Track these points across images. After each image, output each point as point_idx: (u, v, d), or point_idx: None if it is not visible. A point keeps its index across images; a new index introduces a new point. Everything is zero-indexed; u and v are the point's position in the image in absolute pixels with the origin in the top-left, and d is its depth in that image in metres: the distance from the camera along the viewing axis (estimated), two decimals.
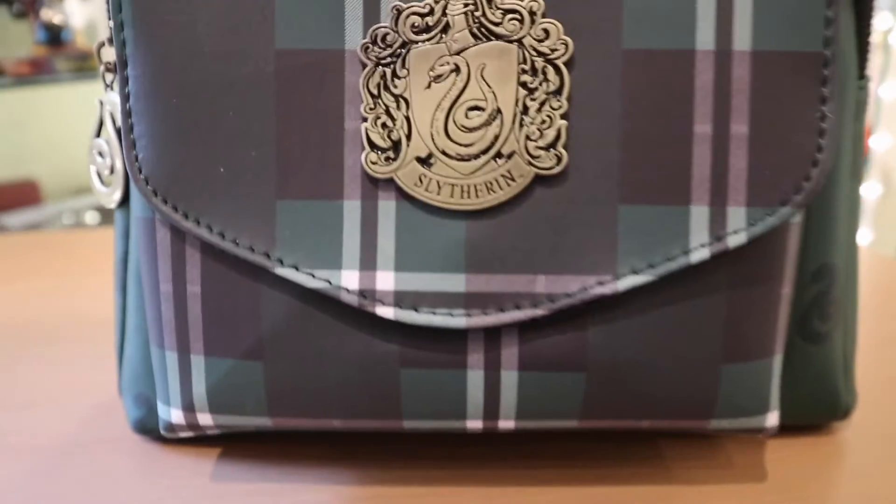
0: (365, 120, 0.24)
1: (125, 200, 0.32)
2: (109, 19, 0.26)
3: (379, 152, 0.24)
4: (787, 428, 0.32)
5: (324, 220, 0.25)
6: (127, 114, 0.25)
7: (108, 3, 0.26)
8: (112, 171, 0.33)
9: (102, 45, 0.32)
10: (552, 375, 0.25)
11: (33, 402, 0.36)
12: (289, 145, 0.25)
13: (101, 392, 0.37)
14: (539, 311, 0.24)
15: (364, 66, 0.24)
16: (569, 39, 0.24)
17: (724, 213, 0.24)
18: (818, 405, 0.32)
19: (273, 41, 0.24)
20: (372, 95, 0.24)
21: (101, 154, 0.33)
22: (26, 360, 0.41)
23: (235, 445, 0.32)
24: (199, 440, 0.32)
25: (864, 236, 1.67)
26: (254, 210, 0.25)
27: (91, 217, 2.06)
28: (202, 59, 0.24)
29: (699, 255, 0.24)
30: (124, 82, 0.25)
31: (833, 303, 0.31)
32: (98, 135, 0.33)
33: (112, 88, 0.31)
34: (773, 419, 0.27)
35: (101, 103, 0.33)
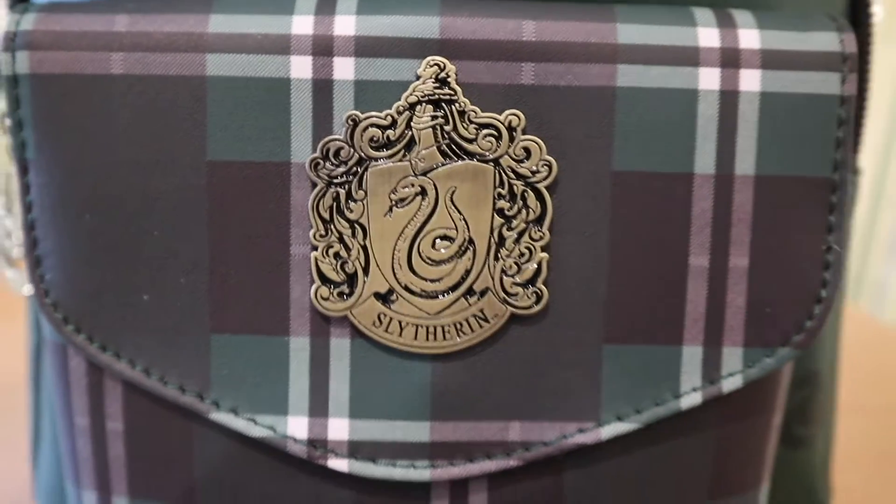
0: (315, 248, 0.21)
1: None
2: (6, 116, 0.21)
3: (331, 286, 0.21)
4: None
5: (267, 358, 0.21)
6: (30, 227, 0.21)
7: (5, 94, 0.22)
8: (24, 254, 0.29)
9: (5, 115, 0.27)
10: None
11: None
12: (224, 271, 0.21)
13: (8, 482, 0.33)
14: (512, 462, 0.22)
15: (314, 185, 0.21)
16: (552, 160, 0.20)
17: (720, 355, 0.22)
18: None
19: (205, 150, 0.20)
20: (323, 220, 0.21)
21: (9, 235, 0.29)
22: None
23: None
24: None
25: None
26: (184, 345, 0.21)
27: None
28: (119, 169, 0.21)
29: (690, 400, 0.22)
30: (25, 190, 0.21)
31: (816, 407, 0.29)
32: (8, 210, 0.29)
33: None
34: None
35: (9, 176, 0.28)
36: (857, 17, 0.25)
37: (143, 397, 0.22)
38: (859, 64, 0.25)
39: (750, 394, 0.23)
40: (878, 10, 0.25)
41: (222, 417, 0.21)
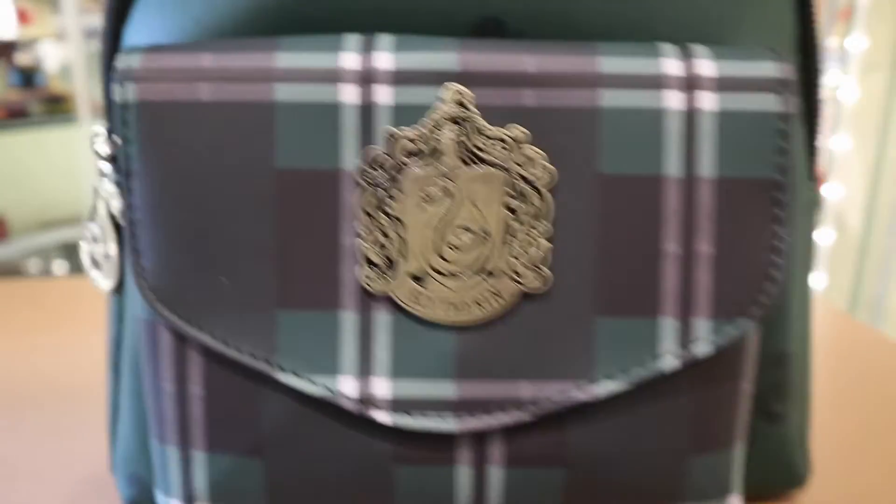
0: (361, 238, 0.26)
1: (119, 287, 0.33)
2: (112, 133, 0.27)
3: (374, 269, 0.26)
4: (751, 498, 0.35)
5: (322, 329, 0.26)
6: (131, 223, 0.27)
7: (113, 116, 0.27)
8: (106, 256, 0.34)
9: (97, 135, 0.33)
10: (535, 471, 0.27)
11: (14, 476, 0.36)
12: (288, 259, 0.26)
13: (86, 465, 0.37)
14: (523, 415, 0.26)
15: (360, 187, 0.26)
16: (551, 166, 0.26)
17: (691, 325, 0.26)
18: (777, 477, 0.34)
19: (274, 161, 0.26)
20: (367, 215, 0.26)
21: (94, 239, 0.34)
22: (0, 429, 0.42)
23: None
24: None
25: (819, 280, 1.70)
26: (255, 319, 0.26)
27: (59, 266, 2.04)
28: (205, 177, 0.26)
29: (669, 363, 0.26)
30: (128, 193, 0.26)
31: (790, 386, 0.33)
32: (92, 219, 0.34)
33: (106, 177, 0.32)
34: (734, 502, 0.30)
35: (96, 190, 0.34)
36: (807, 48, 0.30)
37: (220, 365, 0.27)
38: (809, 87, 0.31)
39: (720, 361, 0.27)
40: (863, 41, 0.31)
41: (286, 378, 0.26)
